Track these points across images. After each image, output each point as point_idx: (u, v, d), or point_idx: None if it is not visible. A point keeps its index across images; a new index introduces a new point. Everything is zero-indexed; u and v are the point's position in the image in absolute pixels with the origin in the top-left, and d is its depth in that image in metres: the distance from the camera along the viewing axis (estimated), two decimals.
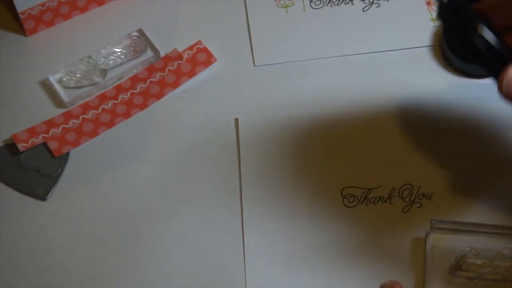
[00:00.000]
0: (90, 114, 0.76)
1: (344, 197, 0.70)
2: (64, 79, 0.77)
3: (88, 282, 0.68)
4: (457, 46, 0.76)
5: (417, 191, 0.70)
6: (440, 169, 0.71)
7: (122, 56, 0.79)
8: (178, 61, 0.78)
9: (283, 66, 0.79)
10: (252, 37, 0.80)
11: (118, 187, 0.72)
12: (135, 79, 0.78)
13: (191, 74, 0.78)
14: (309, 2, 0.82)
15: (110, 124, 0.76)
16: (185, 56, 0.79)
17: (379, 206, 0.69)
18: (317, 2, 0.82)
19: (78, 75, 0.77)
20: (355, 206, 0.69)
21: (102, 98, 0.77)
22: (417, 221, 0.68)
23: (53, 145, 0.74)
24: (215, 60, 0.79)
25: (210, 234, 0.69)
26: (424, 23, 0.80)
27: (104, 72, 0.78)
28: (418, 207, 0.69)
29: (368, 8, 0.82)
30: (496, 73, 0.56)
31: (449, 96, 0.76)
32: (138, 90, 0.77)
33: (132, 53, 0.79)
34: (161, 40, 0.80)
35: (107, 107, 0.76)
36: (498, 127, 0.73)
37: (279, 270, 0.67)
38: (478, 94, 0.76)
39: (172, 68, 0.78)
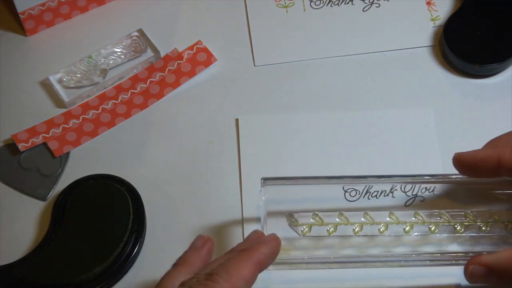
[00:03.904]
0: (90, 114, 0.76)
1: (345, 191, 0.69)
2: (64, 79, 0.77)
3: None
4: (457, 46, 0.77)
5: (420, 185, 0.70)
6: (441, 164, 0.71)
7: (122, 56, 0.79)
8: (178, 61, 0.79)
9: (283, 66, 0.79)
10: (252, 37, 0.81)
11: None
12: (135, 79, 0.78)
13: (191, 74, 0.78)
14: (309, 2, 0.82)
15: (110, 124, 0.76)
16: (185, 56, 0.79)
17: (381, 200, 0.69)
18: (317, 2, 0.82)
19: (78, 75, 0.77)
20: (357, 199, 0.69)
21: (102, 98, 0.77)
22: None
23: (53, 145, 0.74)
24: (215, 60, 0.79)
25: (210, 234, 0.69)
26: (424, 23, 0.80)
27: (104, 72, 0.78)
28: (420, 201, 0.69)
29: (368, 8, 0.82)
30: None
31: (449, 96, 0.76)
32: (138, 90, 0.77)
33: (132, 53, 0.79)
34: (161, 40, 0.80)
35: (107, 107, 0.76)
36: (498, 127, 0.73)
37: (280, 269, 0.67)
38: (478, 94, 0.76)
39: (172, 68, 0.78)
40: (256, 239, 0.62)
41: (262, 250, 0.59)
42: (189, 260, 0.60)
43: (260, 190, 0.66)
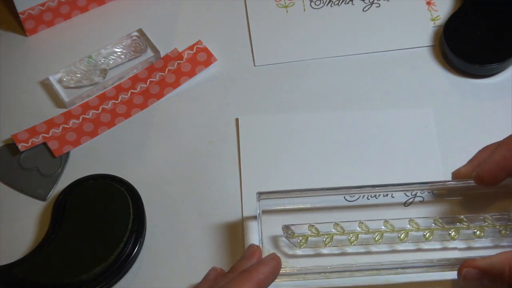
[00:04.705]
0: (90, 114, 0.76)
1: (338, 194, 0.69)
2: (64, 79, 0.77)
3: None
4: (457, 46, 0.77)
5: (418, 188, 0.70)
6: (441, 164, 0.71)
7: (122, 56, 0.79)
8: (178, 61, 0.79)
9: (283, 66, 0.79)
10: (252, 37, 0.81)
11: None
12: (135, 79, 0.78)
13: (191, 74, 0.78)
14: (309, 2, 0.82)
15: (110, 124, 0.76)
16: (185, 56, 0.79)
17: (381, 200, 0.69)
18: (317, 2, 0.82)
19: (78, 75, 0.77)
20: (356, 199, 0.69)
21: (102, 98, 0.77)
22: (419, 214, 0.68)
23: (53, 145, 0.74)
24: (215, 60, 0.79)
25: (210, 234, 0.69)
26: (424, 23, 0.80)
27: (104, 72, 0.78)
28: (420, 201, 0.69)
29: (368, 8, 0.82)
30: None
31: (449, 96, 0.76)
32: (138, 90, 0.77)
33: (132, 53, 0.79)
34: (161, 40, 0.80)
35: (107, 107, 0.76)
36: (498, 127, 0.73)
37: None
38: (478, 94, 0.76)
39: (172, 68, 0.78)
40: (252, 254, 0.63)
41: (262, 270, 0.60)
42: None
43: (256, 205, 0.67)
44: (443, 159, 0.72)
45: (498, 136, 0.67)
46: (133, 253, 0.67)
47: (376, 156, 0.73)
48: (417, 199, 0.70)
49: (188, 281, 0.67)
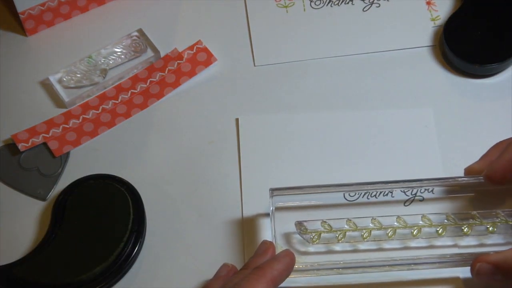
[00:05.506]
0: (90, 114, 0.76)
1: (345, 191, 0.69)
2: (64, 79, 0.77)
3: None
4: (457, 46, 0.77)
5: (419, 185, 0.70)
6: (441, 164, 0.71)
7: (122, 56, 0.79)
8: (178, 61, 0.79)
9: (283, 66, 0.79)
10: (252, 37, 0.81)
11: None
12: (135, 79, 0.78)
13: (191, 74, 0.78)
14: (309, 2, 0.82)
15: (110, 124, 0.76)
16: (185, 56, 0.79)
17: (381, 199, 0.69)
18: (317, 2, 0.82)
19: (78, 75, 0.77)
20: (356, 199, 0.69)
21: (102, 98, 0.77)
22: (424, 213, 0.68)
23: (53, 145, 0.74)
24: (215, 60, 0.79)
25: (210, 234, 0.69)
26: (424, 23, 0.80)
27: (104, 72, 0.78)
28: (420, 200, 0.69)
29: (368, 8, 0.82)
30: None
31: (449, 96, 0.76)
32: (138, 90, 0.77)
33: (132, 53, 0.79)
34: (161, 40, 0.80)
35: (107, 107, 0.76)
36: (498, 127, 0.73)
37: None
38: (478, 94, 0.76)
39: (172, 68, 0.78)
40: (265, 250, 0.63)
41: (276, 267, 0.60)
42: None
43: (269, 201, 0.67)
44: (443, 159, 0.72)
45: (498, 136, 0.67)
46: (133, 253, 0.67)
47: (376, 156, 0.73)
48: (417, 198, 0.69)
49: (188, 281, 0.67)
